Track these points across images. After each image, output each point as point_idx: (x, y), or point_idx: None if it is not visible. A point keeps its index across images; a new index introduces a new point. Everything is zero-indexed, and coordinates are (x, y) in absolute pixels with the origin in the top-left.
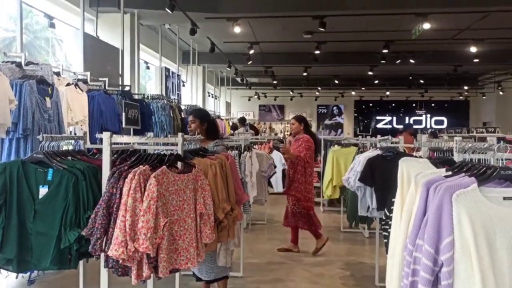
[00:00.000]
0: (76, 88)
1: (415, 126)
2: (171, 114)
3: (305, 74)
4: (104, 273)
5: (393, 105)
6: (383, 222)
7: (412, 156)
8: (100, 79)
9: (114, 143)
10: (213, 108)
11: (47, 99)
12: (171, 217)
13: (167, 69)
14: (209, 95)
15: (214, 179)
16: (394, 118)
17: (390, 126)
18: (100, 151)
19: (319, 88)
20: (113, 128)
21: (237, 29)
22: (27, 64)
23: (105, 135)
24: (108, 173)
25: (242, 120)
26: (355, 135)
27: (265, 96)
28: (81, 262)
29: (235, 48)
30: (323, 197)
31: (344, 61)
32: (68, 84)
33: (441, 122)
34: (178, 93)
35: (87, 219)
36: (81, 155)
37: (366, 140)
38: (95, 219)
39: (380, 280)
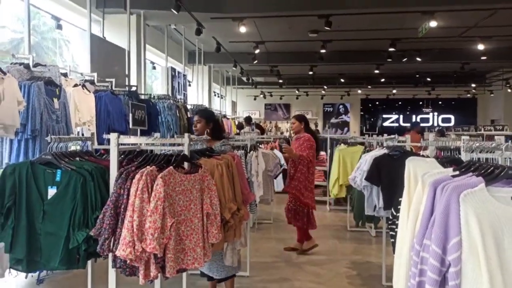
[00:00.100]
0: (83, 89)
1: (422, 124)
2: (177, 114)
3: (310, 73)
4: (112, 273)
5: (400, 103)
6: (390, 222)
7: (419, 155)
8: (107, 79)
9: (121, 144)
10: (219, 108)
11: (55, 100)
12: (178, 217)
13: (173, 69)
14: (215, 95)
15: (221, 179)
16: (401, 117)
17: (396, 125)
18: (107, 151)
19: (325, 87)
20: (120, 128)
21: (242, 29)
22: (35, 65)
23: (113, 136)
24: (116, 173)
25: (248, 120)
26: (362, 133)
27: (271, 95)
28: (89, 262)
29: (241, 48)
30: (329, 196)
31: (350, 60)
32: (75, 85)
33: (449, 120)
34: (184, 93)
35: (95, 219)
36: (89, 156)
37: (372, 139)
38: (103, 220)
39: (387, 280)
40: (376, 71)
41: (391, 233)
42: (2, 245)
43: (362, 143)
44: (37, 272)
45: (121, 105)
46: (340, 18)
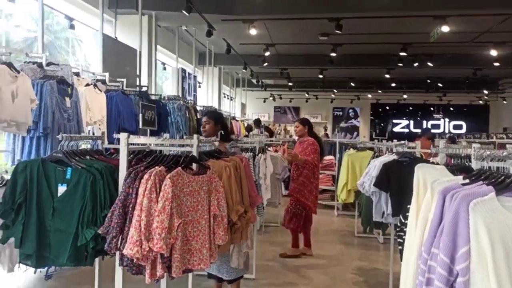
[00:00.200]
0: (95, 88)
1: (433, 131)
2: (187, 115)
3: (320, 76)
4: (119, 271)
5: (410, 108)
6: (398, 229)
7: (429, 162)
8: (118, 79)
9: (131, 144)
10: (228, 109)
11: (67, 99)
12: (185, 218)
13: (184, 70)
14: (224, 96)
15: (228, 181)
16: (411, 122)
17: (407, 130)
18: (117, 151)
19: (335, 91)
20: (130, 128)
21: (253, 31)
22: (48, 64)
23: (122, 136)
24: (125, 173)
25: (257, 122)
26: (371, 138)
27: (281, 98)
28: (96, 259)
29: (251, 50)
30: (337, 201)
31: (361, 64)
32: (87, 85)
33: (460, 127)
34: (194, 94)
35: (103, 217)
36: (99, 155)
37: (382, 144)
38: (111, 218)
39: (394, 287)
40: (387, 76)
41: (399, 240)
42: (12, 240)
43: (371, 148)
44: (46, 268)
45: (132, 105)
46: (351, 22)
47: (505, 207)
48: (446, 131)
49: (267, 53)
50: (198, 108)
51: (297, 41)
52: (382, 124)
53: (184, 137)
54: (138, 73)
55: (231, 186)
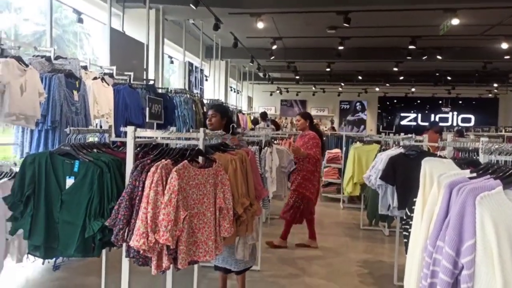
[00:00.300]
0: (102, 82)
1: (441, 124)
2: (194, 108)
3: (328, 69)
4: (125, 262)
5: (418, 101)
6: (403, 222)
7: (436, 155)
8: (126, 73)
9: (138, 137)
10: (235, 103)
11: (75, 92)
12: (191, 210)
13: (191, 64)
14: (231, 90)
15: (234, 174)
16: (419, 115)
17: (414, 123)
18: (124, 144)
19: (342, 84)
20: (137, 121)
21: (260, 25)
22: (56, 58)
23: (129, 129)
24: (132, 166)
25: (264, 115)
26: (378, 132)
27: (287, 91)
28: (103, 251)
29: (258, 43)
30: (343, 193)
31: (368, 57)
32: (95, 78)
33: (469, 120)
34: (201, 88)
35: (110, 210)
36: (106, 148)
37: (389, 138)
38: (118, 210)
39: (399, 280)
40: (395, 69)
41: (404, 233)
42: (21, 232)
43: (378, 142)
44: (54, 259)
45: (139, 99)
46: (359, 15)
47: None
48: (455, 124)
49: (274, 47)
50: (205, 101)
51: (304, 35)
52: (389, 118)
53: (191, 130)
54: (145, 66)
55: (237, 179)
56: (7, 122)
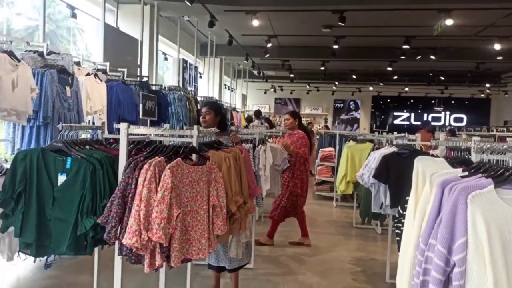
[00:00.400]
0: (95, 78)
1: (433, 123)
2: (188, 106)
3: (322, 68)
4: (118, 260)
5: (412, 101)
6: (396, 220)
7: (428, 154)
8: (119, 69)
9: (131, 134)
10: (229, 100)
11: (67, 88)
12: (184, 208)
13: (185, 61)
14: (225, 87)
15: (228, 172)
16: (412, 115)
17: (407, 123)
18: (117, 141)
19: (336, 83)
20: (130, 118)
21: (255, 22)
22: (49, 53)
23: (122, 126)
24: (125, 163)
25: (258, 113)
26: (371, 130)
27: (281, 90)
28: (96, 249)
29: (253, 41)
30: (336, 192)
31: (363, 56)
32: (88, 74)
33: (461, 120)
34: (195, 85)
35: (103, 207)
36: (99, 145)
37: (382, 137)
38: (111, 208)
39: (391, 277)
40: (389, 68)
41: (396, 231)
42: (12, 230)
43: (371, 141)
44: (45, 257)
45: (132, 95)
46: (354, 14)
47: (503, 199)
48: (447, 124)
49: (269, 45)
50: (199, 99)
51: (299, 33)
52: (382, 117)
53: (184, 127)
54: (139, 63)
55: (230, 177)
56: None
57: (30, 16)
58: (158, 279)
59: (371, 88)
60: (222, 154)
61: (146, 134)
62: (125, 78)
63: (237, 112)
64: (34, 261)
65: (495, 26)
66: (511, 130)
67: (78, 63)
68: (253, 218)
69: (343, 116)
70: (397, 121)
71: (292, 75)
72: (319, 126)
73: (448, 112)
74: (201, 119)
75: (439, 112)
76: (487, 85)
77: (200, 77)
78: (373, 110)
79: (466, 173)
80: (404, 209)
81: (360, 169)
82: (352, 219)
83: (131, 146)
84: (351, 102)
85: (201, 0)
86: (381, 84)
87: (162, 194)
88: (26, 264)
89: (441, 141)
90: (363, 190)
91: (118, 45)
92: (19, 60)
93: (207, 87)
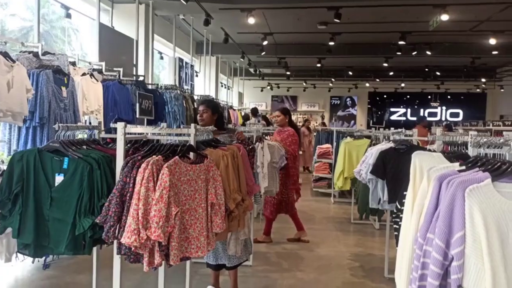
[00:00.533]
0: (91, 78)
1: (430, 119)
2: (184, 104)
3: (318, 65)
4: (116, 260)
5: (408, 97)
6: (394, 215)
7: (425, 149)
8: (115, 69)
9: (128, 133)
10: (225, 99)
11: (63, 88)
12: (182, 206)
13: (181, 60)
14: (222, 86)
15: (226, 169)
16: (409, 110)
17: (404, 118)
18: (114, 140)
19: (333, 79)
20: (127, 118)
21: (251, 20)
22: (44, 54)
23: (119, 125)
24: (122, 162)
25: (254, 111)
26: (368, 127)
27: (278, 87)
28: (94, 248)
29: (249, 39)
30: (334, 188)
31: (359, 53)
32: (83, 74)
33: (457, 115)
34: (191, 83)
35: (101, 207)
36: (96, 144)
37: (379, 133)
38: (109, 207)
39: (390, 272)
40: (385, 64)
41: (394, 226)
42: (9, 230)
43: (368, 137)
44: (44, 258)
45: (129, 95)
46: (349, 10)
47: (500, 193)
48: (443, 119)
49: (265, 42)
50: (195, 97)
51: (295, 30)
52: (379, 113)
53: (181, 126)
54: (134, 62)
55: (228, 175)
56: None
57: (24, 16)
58: (157, 277)
59: (367, 85)
60: (220, 152)
61: (143, 133)
62: (121, 77)
63: (234, 110)
64: (33, 262)
65: (490, 20)
66: (507, 124)
67: (73, 63)
68: (251, 215)
69: (340, 113)
70: (393, 117)
71: (288, 73)
72: (316, 123)
73: (444, 107)
74: (198, 118)
75: (435, 107)
76: (483, 80)
77: (197, 75)
78: (369, 106)
79: (463, 167)
80: (402, 204)
81: (357, 165)
82: (350, 215)
83: (129, 145)
84: (348, 99)
85: None
86: (377, 80)
87: (160, 192)
88: (24, 265)
89: (438, 136)
90: (361, 186)
91: (113, 44)
92: (14, 61)
93: (203, 85)
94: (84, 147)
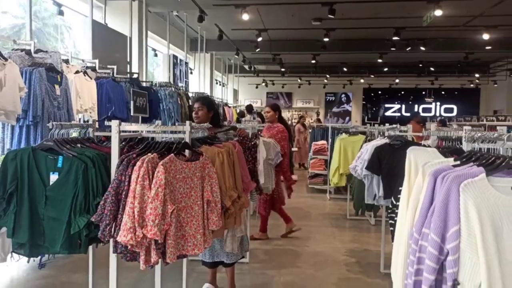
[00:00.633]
0: (84, 75)
1: (424, 114)
2: (179, 102)
3: (313, 61)
4: (113, 258)
5: (402, 93)
6: (389, 210)
7: (420, 145)
8: (109, 66)
9: (123, 131)
10: (220, 96)
11: (57, 86)
12: (178, 204)
13: (175, 57)
14: (216, 83)
15: (221, 167)
16: (403, 106)
17: (398, 114)
18: (108, 138)
19: (328, 76)
20: (121, 115)
21: (245, 16)
22: (37, 51)
23: (114, 123)
24: (117, 160)
25: (249, 108)
26: (363, 123)
27: (273, 84)
28: (90, 247)
29: (243, 35)
30: (329, 184)
31: (353, 49)
32: (77, 72)
33: (451, 110)
34: (185, 81)
35: (96, 205)
36: (90, 143)
37: (374, 129)
38: (104, 206)
39: (385, 267)
40: (379, 60)
41: (390, 221)
42: (4, 230)
43: (363, 133)
44: (39, 257)
45: (123, 92)
46: (344, 6)
47: (495, 187)
48: (437, 114)
49: (259, 39)
50: (190, 94)
51: (290, 26)
52: (374, 109)
53: (176, 123)
54: (128, 59)
55: (224, 172)
56: None
57: (16, 14)
58: (153, 276)
59: (362, 81)
60: (215, 149)
61: (138, 131)
62: (115, 75)
63: (229, 107)
64: (28, 261)
65: (483, 16)
66: (500, 119)
67: (66, 61)
68: (247, 212)
69: (334, 109)
70: (388, 113)
71: (283, 69)
72: (311, 119)
73: (438, 103)
74: (193, 115)
75: (430, 103)
76: (476, 75)
77: (191, 72)
78: (364, 102)
79: (458, 162)
80: (397, 200)
81: (353, 161)
82: (345, 211)
83: (123, 143)
84: (343, 95)
85: None
86: (372, 76)
87: (156, 190)
88: (20, 265)
89: (433, 131)
90: (356, 182)
91: (106, 42)
92: (6, 59)
93: (198, 82)
94: (79, 145)
